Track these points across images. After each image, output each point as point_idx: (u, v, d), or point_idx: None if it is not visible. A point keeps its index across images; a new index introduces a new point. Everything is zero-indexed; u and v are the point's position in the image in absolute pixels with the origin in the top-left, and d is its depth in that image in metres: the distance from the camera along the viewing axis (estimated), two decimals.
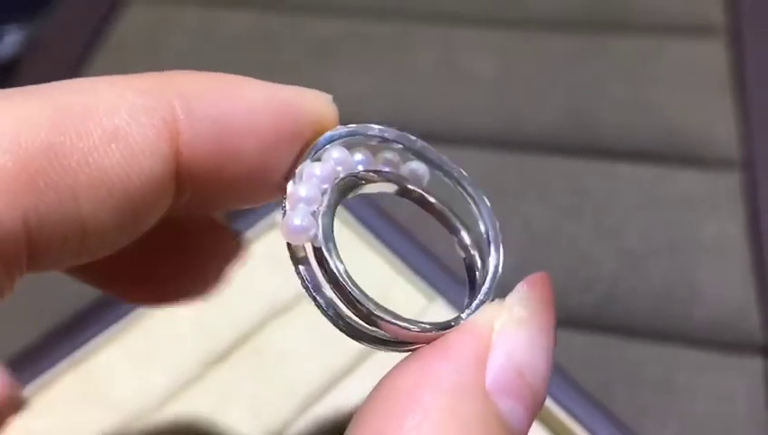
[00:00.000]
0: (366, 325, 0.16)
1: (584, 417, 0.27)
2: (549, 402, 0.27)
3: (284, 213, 0.16)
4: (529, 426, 0.15)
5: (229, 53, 0.47)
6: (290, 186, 0.16)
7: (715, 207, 0.38)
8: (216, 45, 0.48)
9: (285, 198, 0.16)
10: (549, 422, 0.28)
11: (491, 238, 0.19)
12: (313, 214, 0.16)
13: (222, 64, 0.47)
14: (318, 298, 0.16)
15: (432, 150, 0.19)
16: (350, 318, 0.16)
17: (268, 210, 0.33)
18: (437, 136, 0.42)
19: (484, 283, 0.18)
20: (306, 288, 0.16)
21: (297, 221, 0.15)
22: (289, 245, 0.16)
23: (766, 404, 0.32)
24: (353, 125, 0.18)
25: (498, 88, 0.44)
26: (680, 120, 0.41)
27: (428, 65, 0.45)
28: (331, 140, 0.17)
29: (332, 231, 0.16)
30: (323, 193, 0.16)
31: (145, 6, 0.50)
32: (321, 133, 0.17)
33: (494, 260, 0.19)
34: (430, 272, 0.31)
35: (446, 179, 0.19)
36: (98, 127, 0.14)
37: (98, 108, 0.15)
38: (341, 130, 0.17)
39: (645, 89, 0.43)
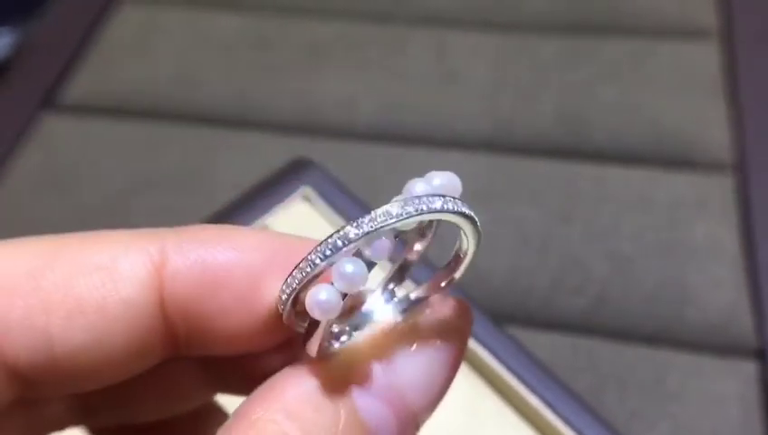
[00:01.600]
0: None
1: (574, 419, 0.27)
2: (539, 405, 0.27)
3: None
4: (398, 429, 0.15)
5: (220, 54, 0.47)
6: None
7: (706, 209, 0.38)
8: (207, 47, 0.48)
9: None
10: (539, 424, 0.27)
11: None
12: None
13: (212, 66, 0.46)
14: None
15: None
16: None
17: None
18: (430, 139, 0.42)
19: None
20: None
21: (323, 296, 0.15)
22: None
23: (759, 408, 0.32)
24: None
25: (490, 91, 0.44)
26: (672, 123, 0.41)
27: (421, 68, 0.45)
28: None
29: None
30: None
31: (136, 8, 0.50)
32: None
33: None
34: (419, 272, 0.31)
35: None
36: (87, 259, 0.16)
37: (95, 246, 0.16)
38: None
39: (637, 92, 0.43)
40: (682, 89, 0.43)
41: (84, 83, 0.46)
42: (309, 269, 0.15)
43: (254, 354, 0.18)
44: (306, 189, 0.32)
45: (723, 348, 0.33)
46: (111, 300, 0.15)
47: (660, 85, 0.43)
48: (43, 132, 0.44)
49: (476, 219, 0.16)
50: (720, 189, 0.38)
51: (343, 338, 0.16)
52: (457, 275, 0.17)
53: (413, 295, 0.17)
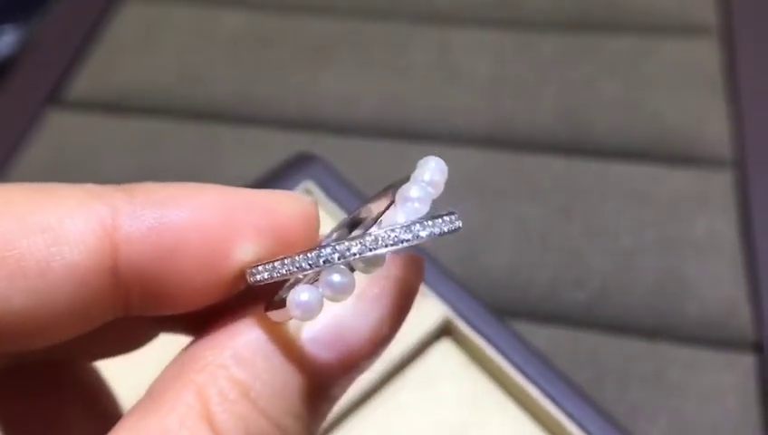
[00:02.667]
0: None
1: (575, 412, 0.27)
2: (540, 397, 0.27)
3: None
4: (341, 374, 0.15)
5: (223, 51, 0.47)
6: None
7: (706, 205, 0.38)
8: (211, 44, 0.48)
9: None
10: (540, 417, 0.28)
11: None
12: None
13: (216, 62, 0.47)
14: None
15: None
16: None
17: None
18: (431, 135, 0.42)
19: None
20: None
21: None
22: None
23: (757, 401, 0.32)
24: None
25: (492, 88, 0.44)
26: (672, 119, 0.42)
27: (423, 65, 0.46)
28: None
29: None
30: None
31: (140, 5, 0.50)
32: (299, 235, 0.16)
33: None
34: None
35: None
36: (32, 217, 0.15)
37: (41, 203, 0.15)
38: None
39: (637, 88, 0.43)
40: (682, 85, 0.43)
41: (89, 80, 0.47)
42: (294, 269, 0.15)
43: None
44: (308, 184, 0.33)
45: (722, 342, 0.34)
46: (56, 264, 0.15)
47: (661, 82, 0.43)
48: (48, 128, 0.44)
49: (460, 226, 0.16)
50: (720, 185, 0.39)
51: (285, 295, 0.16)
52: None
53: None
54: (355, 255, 0.14)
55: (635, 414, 0.32)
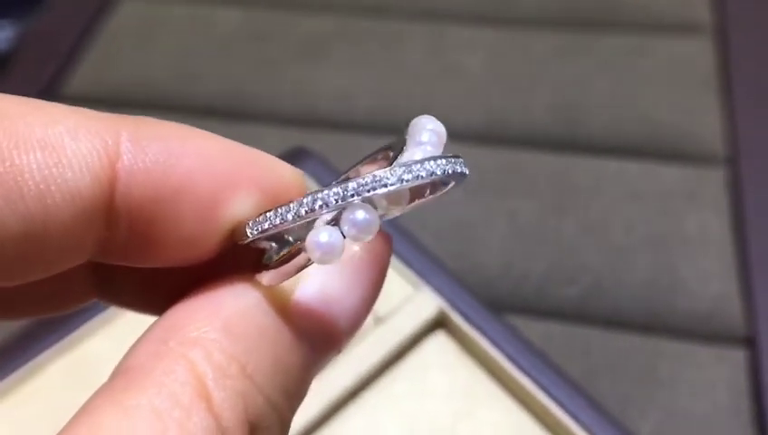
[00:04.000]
0: None
1: (567, 402, 0.27)
2: (533, 388, 0.28)
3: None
4: (330, 349, 0.15)
5: (219, 47, 0.48)
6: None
7: (698, 201, 0.38)
8: (207, 41, 0.48)
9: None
10: (533, 407, 0.28)
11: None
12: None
13: (212, 58, 0.47)
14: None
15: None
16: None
17: None
18: None
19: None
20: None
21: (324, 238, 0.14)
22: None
23: (747, 394, 0.32)
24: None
25: (486, 84, 0.44)
26: (666, 116, 0.42)
27: (417, 62, 0.46)
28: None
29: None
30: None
31: (136, 2, 0.50)
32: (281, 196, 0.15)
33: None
34: (415, 259, 0.32)
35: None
36: (29, 131, 0.13)
37: (38, 118, 0.13)
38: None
39: (631, 86, 0.43)
40: (676, 83, 0.43)
41: (85, 75, 0.47)
42: (290, 218, 0.14)
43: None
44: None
45: (713, 336, 0.34)
46: (55, 188, 0.13)
47: (654, 79, 0.44)
48: None
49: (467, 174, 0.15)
50: (712, 181, 0.39)
51: (283, 250, 0.15)
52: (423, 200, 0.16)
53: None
54: (375, 189, 0.13)
55: (627, 408, 0.32)
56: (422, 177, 0.14)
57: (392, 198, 0.14)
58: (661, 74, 0.44)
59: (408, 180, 0.13)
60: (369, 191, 0.13)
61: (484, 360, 0.29)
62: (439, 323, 0.30)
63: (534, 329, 0.34)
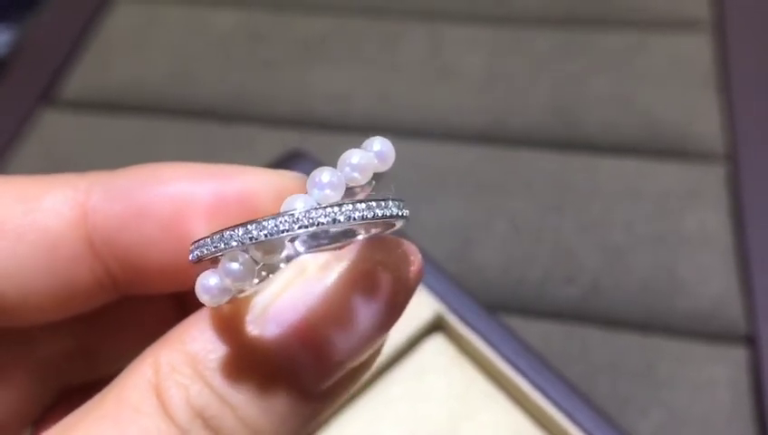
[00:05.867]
0: None
1: (564, 403, 0.27)
2: (530, 389, 0.27)
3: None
4: (302, 354, 0.14)
5: (215, 49, 0.47)
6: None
7: (697, 199, 0.38)
8: (203, 43, 0.48)
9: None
10: (529, 408, 0.28)
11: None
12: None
13: (208, 61, 0.47)
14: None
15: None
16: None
17: None
18: (424, 132, 0.42)
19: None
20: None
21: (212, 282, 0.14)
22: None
23: (748, 393, 0.32)
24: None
25: (484, 84, 0.44)
26: (664, 114, 0.42)
27: (415, 62, 0.46)
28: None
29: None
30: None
31: (132, 4, 0.50)
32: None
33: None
34: None
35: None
36: (8, 190, 0.16)
37: (21, 184, 0.16)
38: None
39: (629, 84, 0.43)
40: (674, 80, 0.43)
41: (82, 79, 0.47)
42: (222, 246, 0.14)
43: None
44: None
45: (713, 335, 0.34)
46: (31, 228, 0.16)
47: (653, 77, 0.43)
48: (41, 127, 0.44)
49: (407, 216, 0.14)
50: (711, 179, 0.39)
51: (255, 281, 0.15)
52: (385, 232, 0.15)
53: (334, 230, 0.15)
54: (250, 239, 0.13)
55: (627, 407, 0.32)
56: (304, 226, 0.13)
57: (265, 247, 0.14)
58: (660, 72, 0.43)
59: (285, 230, 0.13)
60: (244, 241, 0.13)
61: (482, 362, 0.29)
62: (437, 326, 0.30)
63: (533, 329, 0.34)
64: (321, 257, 0.15)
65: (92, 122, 0.45)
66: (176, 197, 0.16)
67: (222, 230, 0.14)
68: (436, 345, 0.30)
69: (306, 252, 0.15)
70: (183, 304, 0.19)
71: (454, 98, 0.44)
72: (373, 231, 0.15)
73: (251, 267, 0.14)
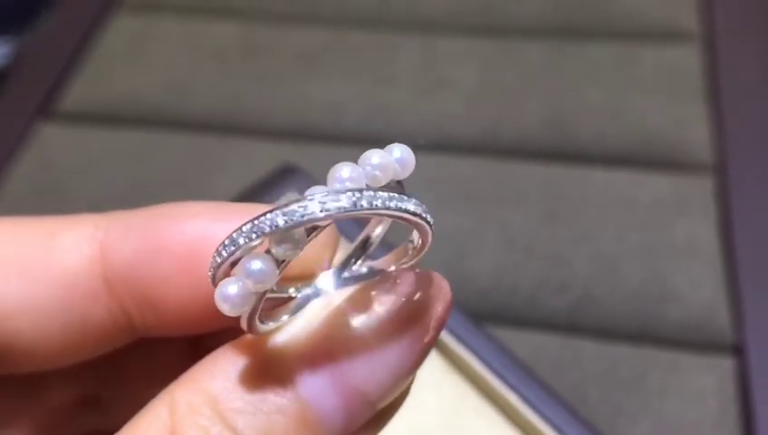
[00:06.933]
0: None
1: (554, 417, 0.28)
2: (519, 403, 0.28)
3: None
4: (340, 404, 0.14)
5: (211, 62, 0.48)
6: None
7: (687, 210, 0.39)
8: (200, 56, 0.48)
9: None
10: (519, 422, 0.28)
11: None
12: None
13: (204, 73, 0.47)
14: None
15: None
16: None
17: None
18: (418, 143, 0.43)
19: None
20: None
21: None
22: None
23: (736, 403, 0.33)
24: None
25: (477, 95, 0.45)
26: (655, 124, 0.42)
27: (409, 74, 0.46)
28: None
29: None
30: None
31: (129, 17, 0.51)
32: None
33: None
34: None
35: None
36: (27, 229, 0.16)
37: (41, 224, 0.16)
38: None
39: (620, 95, 0.44)
40: (665, 91, 0.43)
41: (80, 92, 0.47)
42: (233, 248, 0.13)
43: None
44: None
45: (702, 345, 0.34)
46: (50, 266, 0.16)
47: (643, 88, 0.44)
48: (39, 140, 0.45)
49: (431, 223, 0.14)
50: (701, 190, 0.39)
51: (284, 316, 0.14)
52: (412, 261, 0.15)
53: (365, 268, 0.15)
54: (265, 229, 0.12)
55: (617, 417, 0.32)
56: (328, 210, 0.12)
57: (283, 238, 0.13)
58: (650, 83, 0.44)
59: (307, 215, 0.12)
60: (258, 233, 0.12)
61: (472, 376, 0.29)
62: None
63: (525, 340, 0.34)
64: (350, 293, 0.14)
65: (90, 135, 0.45)
66: (192, 234, 0.16)
67: (235, 230, 0.13)
68: (427, 359, 0.30)
69: (336, 288, 0.15)
70: (198, 348, 0.18)
71: (447, 109, 0.44)
72: (401, 263, 0.15)
73: (272, 265, 0.13)
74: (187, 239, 0.16)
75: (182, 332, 0.17)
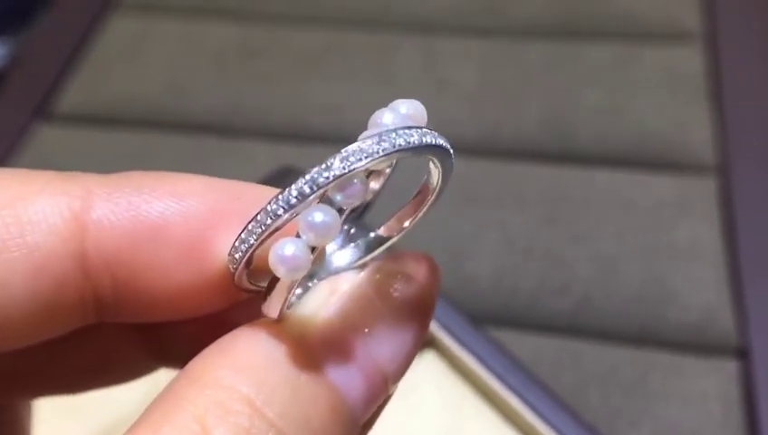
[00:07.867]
0: None
1: (553, 418, 0.27)
2: (519, 404, 0.28)
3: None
4: (366, 388, 0.14)
5: (210, 63, 0.48)
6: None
7: (689, 211, 0.38)
8: (199, 57, 0.48)
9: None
10: (518, 423, 0.28)
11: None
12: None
13: (203, 75, 0.47)
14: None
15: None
16: None
17: None
18: None
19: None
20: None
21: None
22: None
23: (739, 406, 0.32)
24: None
25: (477, 96, 0.44)
26: (656, 125, 0.42)
27: (408, 75, 0.46)
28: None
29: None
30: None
31: (127, 18, 0.51)
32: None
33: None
34: None
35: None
36: None
37: (6, 183, 0.14)
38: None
39: (621, 95, 0.43)
40: (666, 92, 0.43)
41: (77, 93, 0.47)
42: (269, 221, 0.12)
43: (200, 319, 0.15)
44: None
45: (704, 347, 0.34)
46: (13, 243, 0.13)
47: (644, 88, 0.43)
48: (36, 142, 0.45)
49: (452, 151, 0.14)
50: (703, 191, 0.39)
51: (299, 291, 0.14)
52: (421, 213, 0.15)
53: (372, 235, 0.15)
54: (329, 178, 0.12)
55: (618, 420, 0.32)
56: (384, 150, 0.12)
57: (345, 184, 0.12)
58: (651, 83, 0.44)
59: (364, 157, 0.12)
60: (317, 185, 0.12)
61: (473, 378, 0.29)
62: (428, 343, 0.30)
63: (525, 342, 0.34)
64: (366, 276, 0.14)
65: (88, 136, 0.45)
66: (195, 218, 0.14)
67: (281, 190, 0.12)
68: (428, 361, 0.30)
69: (334, 271, 0.14)
70: (151, 338, 0.17)
71: (447, 110, 0.44)
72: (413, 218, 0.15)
73: (335, 216, 0.12)
74: (190, 223, 0.14)
75: (159, 318, 0.15)
